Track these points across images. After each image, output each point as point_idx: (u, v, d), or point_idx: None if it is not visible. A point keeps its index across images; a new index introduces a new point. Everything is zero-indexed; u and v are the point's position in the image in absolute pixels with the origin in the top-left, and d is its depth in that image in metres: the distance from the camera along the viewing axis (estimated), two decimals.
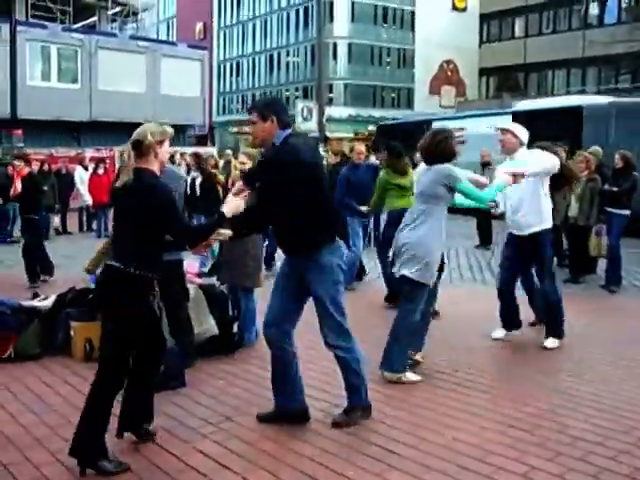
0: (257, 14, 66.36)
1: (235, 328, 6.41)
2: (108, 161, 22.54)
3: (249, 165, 6.25)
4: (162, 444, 4.12)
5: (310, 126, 22.03)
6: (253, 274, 6.32)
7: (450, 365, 5.84)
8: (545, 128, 14.36)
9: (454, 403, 4.92)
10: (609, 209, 9.68)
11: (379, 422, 4.52)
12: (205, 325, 6.10)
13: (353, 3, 57.39)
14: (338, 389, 4.77)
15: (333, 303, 4.28)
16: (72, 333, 6.00)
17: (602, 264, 10.14)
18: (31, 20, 29.15)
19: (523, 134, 6.35)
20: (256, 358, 5.90)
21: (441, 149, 5.35)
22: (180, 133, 27.28)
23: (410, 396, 5.07)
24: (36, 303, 6.47)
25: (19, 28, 25.71)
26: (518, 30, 47.54)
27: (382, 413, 4.68)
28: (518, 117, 21.65)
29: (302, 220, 4.20)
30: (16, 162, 10.84)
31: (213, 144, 43.30)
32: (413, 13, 59.25)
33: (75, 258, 12.56)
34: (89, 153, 21.92)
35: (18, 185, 10.06)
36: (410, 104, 57.85)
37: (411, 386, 5.30)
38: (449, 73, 58.46)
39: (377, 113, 51.45)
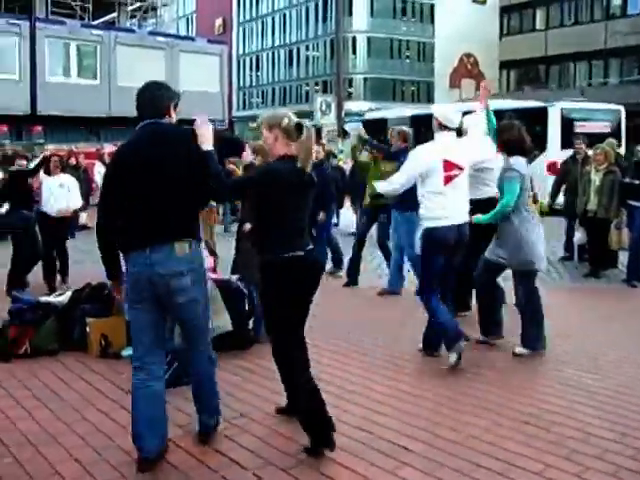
0: (276, 8, 66.43)
1: (250, 324, 6.38)
2: None
3: (253, 158, 6.18)
4: (175, 441, 4.10)
5: (329, 120, 22.02)
6: None
7: (465, 360, 5.77)
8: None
9: (469, 399, 4.86)
10: (631, 202, 9.53)
11: (392, 418, 4.48)
12: (220, 321, 6.07)
13: None
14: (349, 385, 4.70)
15: None
16: (88, 329, 6.02)
17: (624, 258, 10.00)
18: (51, 17, 29.32)
19: (443, 117, 5.70)
20: (271, 354, 5.87)
21: None
22: None
23: (424, 391, 5.03)
24: (52, 299, 6.50)
25: (39, 25, 25.80)
26: (539, 22, 47.00)
27: (395, 409, 4.65)
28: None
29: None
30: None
31: None
32: (433, 6, 58.94)
33: (92, 253, 12.60)
34: (108, 148, 22.00)
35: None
36: (430, 98, 57.58)
37: (425, 381, 5.27)
38: (469, 66, 58.05)
39: (397, 107, 51.24)
